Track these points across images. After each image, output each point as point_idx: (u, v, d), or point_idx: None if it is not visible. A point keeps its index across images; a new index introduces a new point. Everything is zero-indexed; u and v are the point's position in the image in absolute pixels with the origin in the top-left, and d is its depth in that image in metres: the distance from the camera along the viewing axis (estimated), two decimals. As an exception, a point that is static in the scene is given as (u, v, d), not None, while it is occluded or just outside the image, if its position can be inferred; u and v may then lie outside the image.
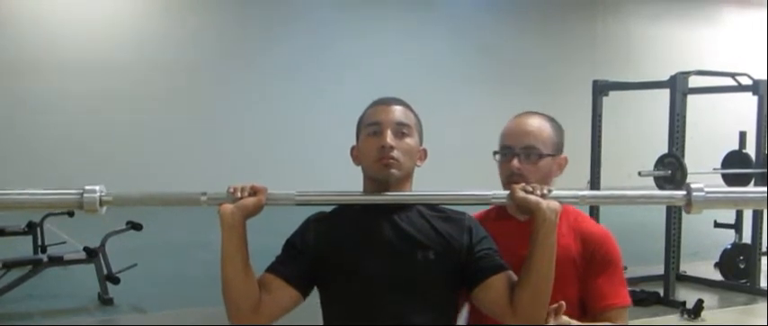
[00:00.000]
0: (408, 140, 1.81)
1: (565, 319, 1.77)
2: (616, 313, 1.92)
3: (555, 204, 1.71)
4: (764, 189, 1.76)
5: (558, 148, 2.00)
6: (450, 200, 1.82)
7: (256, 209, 1.73)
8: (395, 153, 1.77)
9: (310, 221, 1.86)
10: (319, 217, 1.87)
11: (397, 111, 1.83)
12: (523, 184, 1.76)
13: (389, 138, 1.78)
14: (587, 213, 2.07)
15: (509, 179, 1.91)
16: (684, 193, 1.73)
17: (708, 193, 1.71)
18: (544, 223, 1.69)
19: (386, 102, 1.85)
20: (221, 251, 1.72)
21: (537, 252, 1.71)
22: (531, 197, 1.71)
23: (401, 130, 1.80)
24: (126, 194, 1.82)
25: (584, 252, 1.94)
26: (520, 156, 1.93)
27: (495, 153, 2.00)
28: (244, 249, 1.73)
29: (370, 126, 1.82)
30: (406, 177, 1.82)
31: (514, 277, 1.76)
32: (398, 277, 1.76)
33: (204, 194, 1.75)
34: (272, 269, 1.81)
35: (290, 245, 1.84)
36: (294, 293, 1.78)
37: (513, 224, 1.94)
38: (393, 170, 1.78)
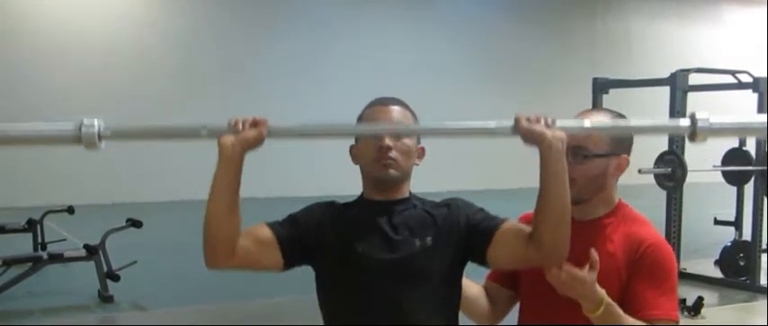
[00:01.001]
0: (406, 141, 1.81)
1: (599, 289, 1.72)
2: None
3: (560, 134, 1.68)
4: (764, 117, 1.73)
5: (616, 148, 1.87)
6: (453, 132, 1.82)
7: (257, 141, 1.71)
8: (393, 153, 1.78)
9: (317, 204, 1.87)
10: (326, 203, 1.88)
11: (395, 111, 1.84)
12: (528, 115, 1.69)
13: (387, 138, 1.79)
14: (647, 219, 1.94)
15: None
16: (690, 123, 1.70)
17: (712, 122, 1.69)
18: (550, 151, 1.67)
19: (384, 102, 1.86)
20: (212, 183, 1.69)
21: (549, 180, 1.68)
22: (536, 127, 1.67)
23: (399, 130, 1.81)
24: (125, 127, 1.76)
25: (629, 258, 1.84)
26: (568, 156, 1.80)
27: None
28: (236, 184, 1.70)
29: (369, 127, 1.83)
30: (405, 177, 1.84)
31: (521, 225, 1.76)
32: (398, 266, 1.77)
33: (204, 126, 1.72)
34: (269, 225, 1.79)
35: (292, 217, 1.84)
36: (279, 257, 1.77)
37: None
38: (391, 171, 1.79)
